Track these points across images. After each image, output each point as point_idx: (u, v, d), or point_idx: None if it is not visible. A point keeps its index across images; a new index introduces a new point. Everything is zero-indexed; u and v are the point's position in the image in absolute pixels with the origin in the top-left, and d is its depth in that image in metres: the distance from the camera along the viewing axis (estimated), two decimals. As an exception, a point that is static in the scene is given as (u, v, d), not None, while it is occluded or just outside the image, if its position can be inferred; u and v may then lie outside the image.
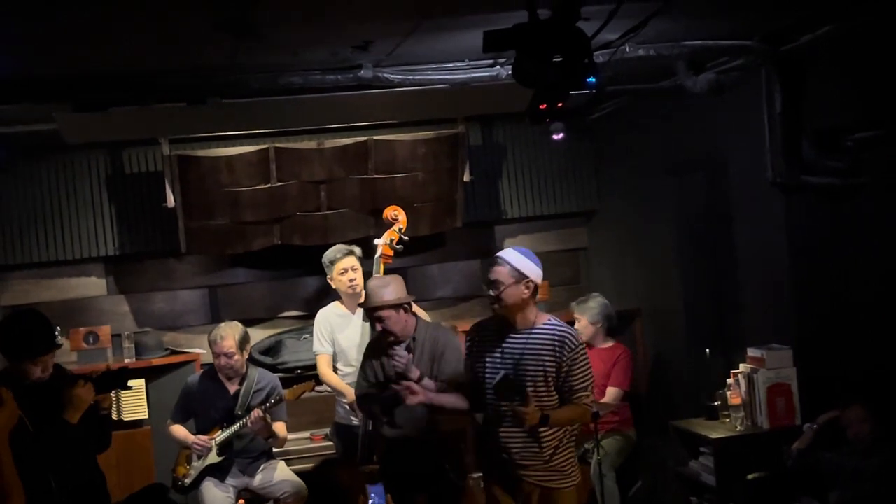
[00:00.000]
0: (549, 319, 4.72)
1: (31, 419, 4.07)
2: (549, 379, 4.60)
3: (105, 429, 4.61)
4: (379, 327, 5.16)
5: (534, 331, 4.66)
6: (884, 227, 5.08)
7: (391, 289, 5.15)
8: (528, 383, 4.58)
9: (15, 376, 4.19)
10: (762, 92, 5.36)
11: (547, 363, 4.60)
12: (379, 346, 5.33)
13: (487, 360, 4.72)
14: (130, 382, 6.54)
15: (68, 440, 4.22)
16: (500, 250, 7.76)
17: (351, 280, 6.09)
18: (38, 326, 4.23)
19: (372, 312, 5.18)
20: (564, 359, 4.58)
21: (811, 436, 5.23)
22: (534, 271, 4.64)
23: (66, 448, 4.23)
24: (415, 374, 4.96)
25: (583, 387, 4.63)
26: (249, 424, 5.83)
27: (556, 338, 4.61)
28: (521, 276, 4.61)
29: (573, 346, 4.61)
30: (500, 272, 4.62)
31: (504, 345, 4.69)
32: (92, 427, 4.43)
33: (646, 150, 7.16)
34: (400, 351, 5.04)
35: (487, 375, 4.69)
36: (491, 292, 4.64)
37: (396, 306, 5.13)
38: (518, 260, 4.64)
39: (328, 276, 6.21)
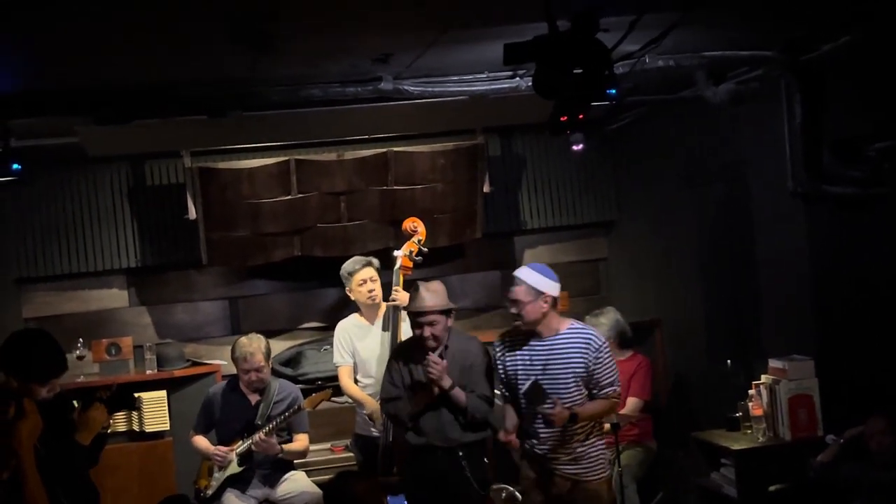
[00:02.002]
0: (572, 324, 5.07)
1: (39, 438, 4.09)
2: (579, 379, 4.95)
3: (101, 446, 4.62)
4: (428, 332, 5.20)
5: (558, 337, 4.99)
6: (906, 237, 5.06)
7: (442, 294, 5.28)
8: (560, 385, 4.92)
9: (21, 394, 4.17)
10: (782, 102, 5.36)
11: (576, 365, 4.94)
12: (407, 351, 5.37)
13: (519, 366, 5.05)
14: (152, 394, 6.74)
15: (79, 460, 4.25)
16: (519, 261, 7.89)
17: (370, 291, 6.10)
18: (50, 350, 4.21)
19: (422, 316, 5.20)
20: (590, 358, 4.94)
21: (836, 449, 5.19)
22: (550, 286, 4.97)
23: (77, 468, 4.26)
24: (446, 382, 5.15)
25: (608, 382, 4.99)
26: (253, 448, 5.83)
27: (581, 341, 4.97)
28: (538, 293, 4.93)
29: (598, 346, 4.96)
30: (518, 292, 4.96)
31: (532, 352, 5.03)
32: (92, 445, 4.45)
33: (666, 161, 7.15)
34: (435, 357, 5.14)
35: (520, 381, 5.03)
36: (513, 310, 4.99)
37: (446, 311, 5.25)
38: (533, 277, 4.97)
39: (347, 288, 6.22)
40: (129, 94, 5.12)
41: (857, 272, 5.43)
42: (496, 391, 5.41)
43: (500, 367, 5.17)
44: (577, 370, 4.94)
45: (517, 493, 6.14)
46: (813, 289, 5.71)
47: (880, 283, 5.28)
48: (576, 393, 4.95)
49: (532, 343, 5.03)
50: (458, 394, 5.21)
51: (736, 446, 5.78)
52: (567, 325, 5.03)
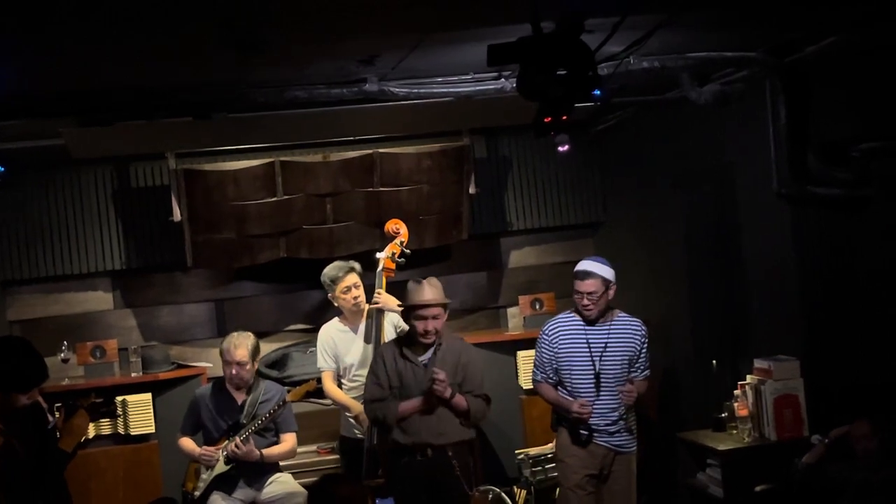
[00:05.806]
0: (621, 313, 5.55)
1: (20, 444, 4.08)
2: (631, 361, 5.47)
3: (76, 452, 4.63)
4: (430, 325, 5.23)
5: (614, 324, 5.48)
6: (892, 237, 5.06)
7: (440, 287, 5.35)
8: (617, 367, 5.43)
9: None
10: (767, 103, 5.37)
11: (630, 349, 5.47)
12: (392, 350, 5.35)
13: (574, 351, 5.46)
14: (137, 397, 6.73)
15: (62, 467, 4.25)
16: (506, 262, 7.90)
17: (355, 298, 6.07)
18: (31, 360, 4.19)
19: (424, 309, 5.22)
20: (639, 343, 5.50)
21: (822, 450, 5.20)
22: (613, 276, 5.44)
23: (59, 474, 4.26)
24: (448, 393, 5.22)
25: (648, 364, 5.58)
26: (229, 455, 5.82)
27: (634, 327, 5.52)
28: (608, 284, 5.39)
29: (644, 332, 5.54)
30: (593, 284, 5.36)
31: (589, 337, 5.45)
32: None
33: (652, 162, 7.16)
34: (441, 374, 5.17)
35: (574, 365, 5.44)
36: (585, 301, 5.37)
37: (445, 305, 5.33)
38: (603, 269, 5.41)
39: (329, 294, 6.18)
40: (114, 96, 5.11)
41: (843, 273, 5.45)
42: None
43: (549, 351, 5.49)
44: (631, 353, 5.46)
45: (503, 495, 6.15)
46: (798, 289, 5.72)
47: (867, 284, 5.29)
48: (626, 373, 5.44)
49: (587, 329, 5.45)
50: (460, 400, 5.26)
51: (722, 447, 5.79)
52: (618, 314, 5.51)
